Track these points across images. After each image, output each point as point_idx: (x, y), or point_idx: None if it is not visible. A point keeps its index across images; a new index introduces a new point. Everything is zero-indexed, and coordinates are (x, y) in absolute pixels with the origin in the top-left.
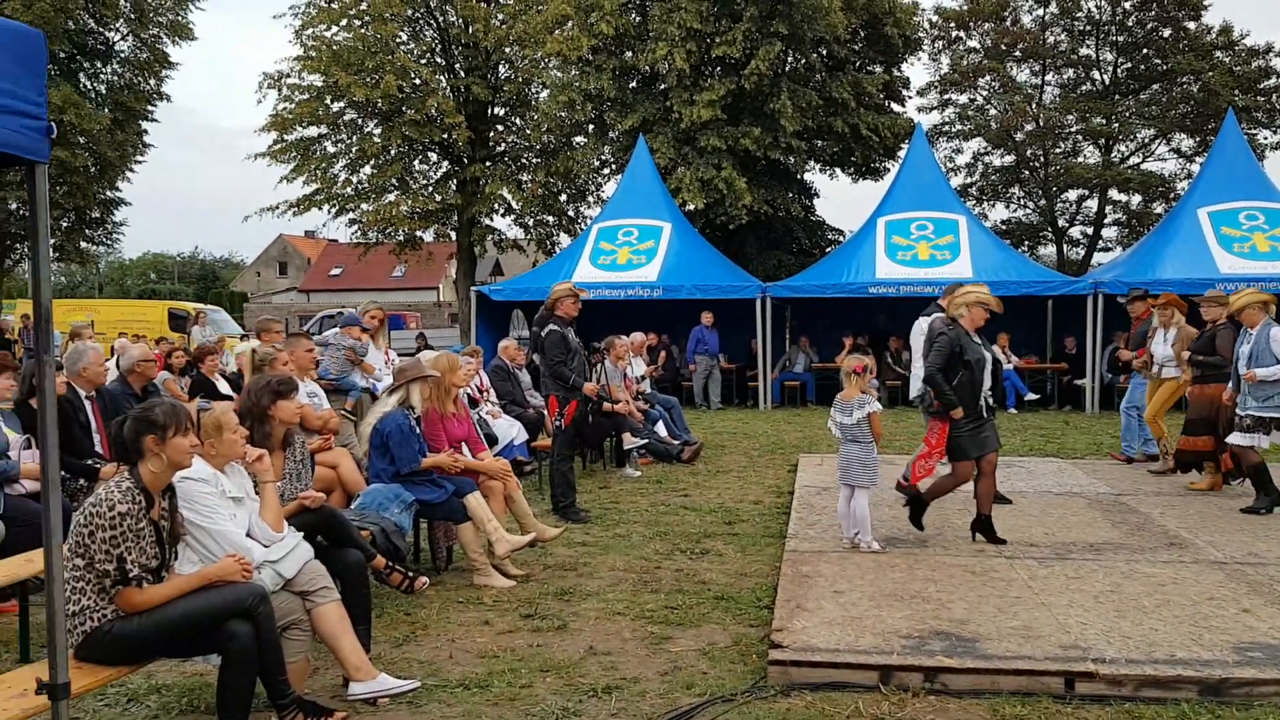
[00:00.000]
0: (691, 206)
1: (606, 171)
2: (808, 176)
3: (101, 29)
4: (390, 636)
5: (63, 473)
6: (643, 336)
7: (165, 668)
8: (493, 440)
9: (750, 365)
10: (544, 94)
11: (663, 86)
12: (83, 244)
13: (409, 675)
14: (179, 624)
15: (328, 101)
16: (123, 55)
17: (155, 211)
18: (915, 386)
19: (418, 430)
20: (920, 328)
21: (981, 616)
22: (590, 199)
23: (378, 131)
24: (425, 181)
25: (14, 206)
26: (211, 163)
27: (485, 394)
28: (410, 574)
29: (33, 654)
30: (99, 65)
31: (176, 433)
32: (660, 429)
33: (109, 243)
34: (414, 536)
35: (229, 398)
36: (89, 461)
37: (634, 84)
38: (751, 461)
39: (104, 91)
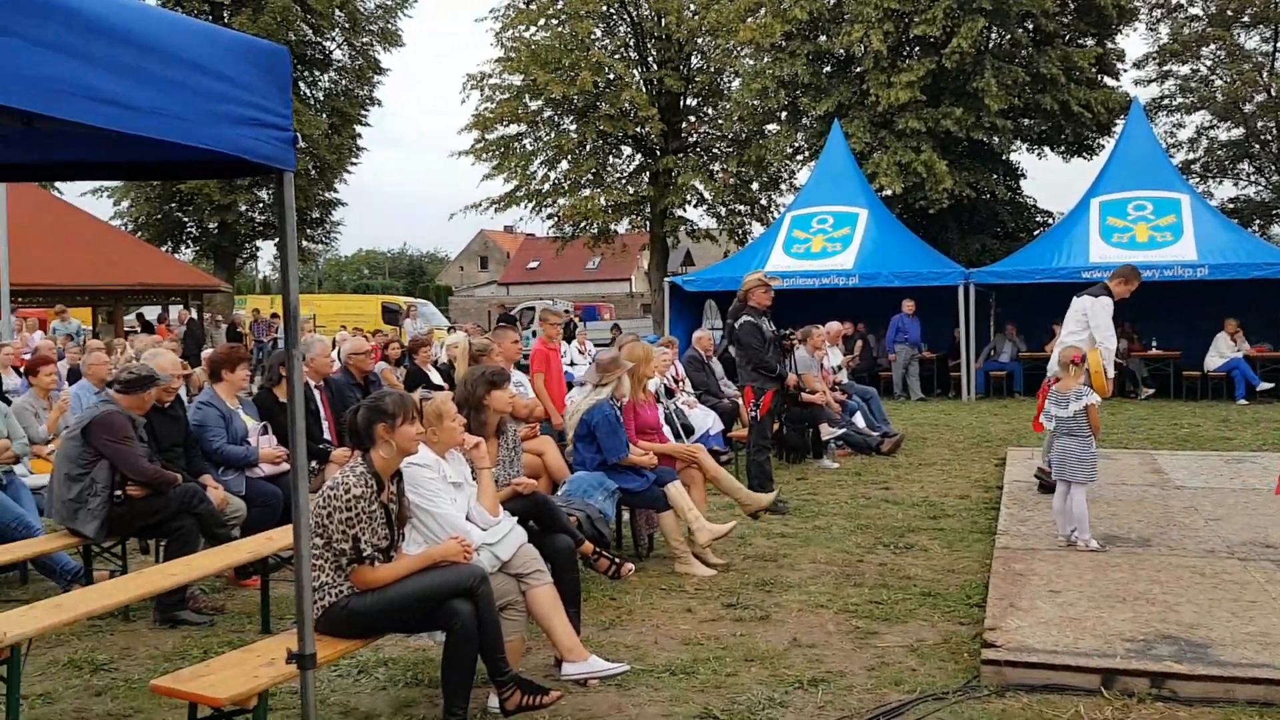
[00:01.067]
0: (889, 191)
1: (800, 159)
2: (1014, 157)
3: (319, 39)
4: (596, 620)
5: None
6: (839, 326)
7: (391, 642)
8: (689, 430)
9: (952, 355)
10: (736, 83)
11: (858, 69)
12: (304, 243)
13: (616, 659)
14: (407, 602)
15: (526, 100)
16: (338, 64)
17: (367, 210)
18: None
19: (620, 421)
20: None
21: (1213, 621)
22: (783, 187)
23: (574, 128)
24: (619, 175)
25: (243, 208)
26: (417, 162)
27: (680, 384)
28: (617, 560)
29: (272, 625)
30: (317, 74)
31: (404, 421)
32: (859, 420)
33: (327, 241)
34: (616, 524)
35: (440, 387)
36: (320, 445)
37: (828, 68)
38: (955, 454)
39: (321, 98)
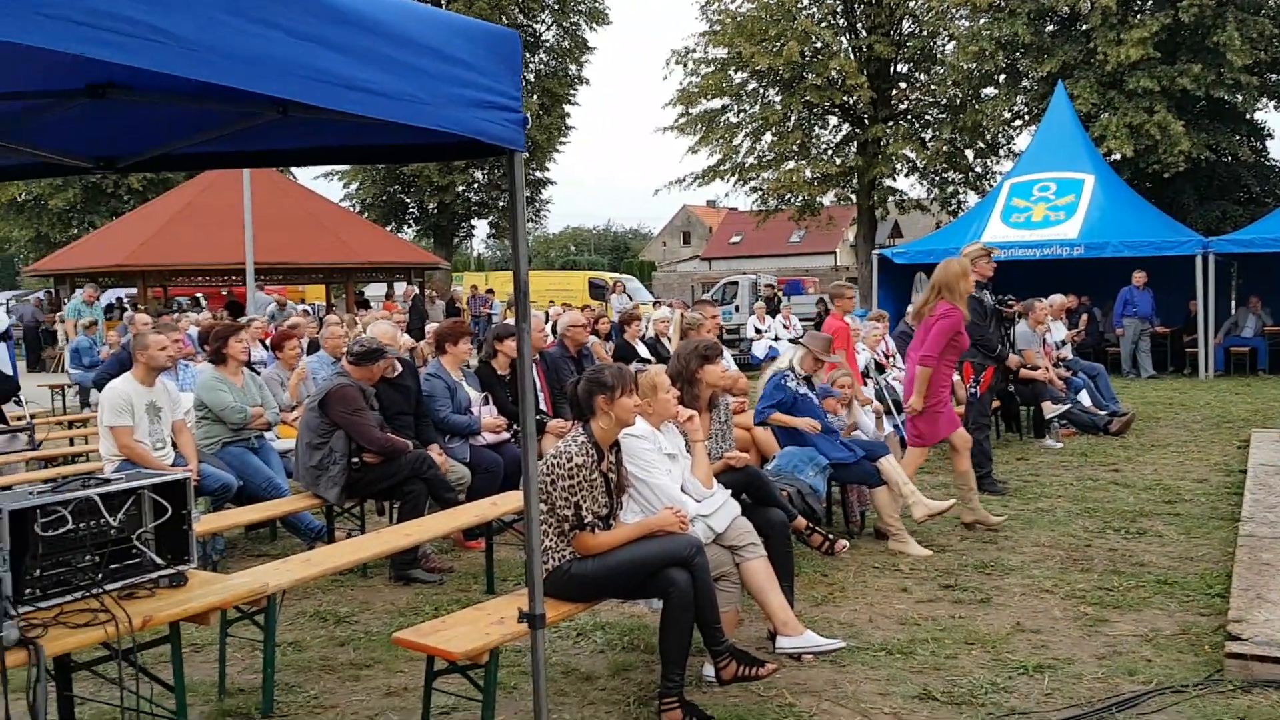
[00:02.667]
0: (1117, 155)
1: (1019, 124)
2: (1259, 116)
3: (530, 22)
4: (808, 596)
5: (515, 426)
6: (1062, 299)
7: (607, 607)
8: (899, 406)
9: (1188, 329)
10: (950, 46)
11: (1085, 27)
12: None
13: (830, 635)
14: (626, 569)
15: (731, 73)
16: (547, 44)
17: (572, 187)
18: None
19: (801, 391)
20: None
21: None
22: (1001, 153)
23: (779, 99)
24: (825, 146)
25: (460, 189)
26: (621, 139)
27: (891, 359)
28: (830, 536)
29: (495, 586)
30: (528, 55)
31: (623, 393)
32: (1084, 398)
33: (536, 219)
34: (826, 499)
35: (648, 362)
36: (535, 417)
37: (1051, 27)
38: (1193, 435)
39: (532, 80)
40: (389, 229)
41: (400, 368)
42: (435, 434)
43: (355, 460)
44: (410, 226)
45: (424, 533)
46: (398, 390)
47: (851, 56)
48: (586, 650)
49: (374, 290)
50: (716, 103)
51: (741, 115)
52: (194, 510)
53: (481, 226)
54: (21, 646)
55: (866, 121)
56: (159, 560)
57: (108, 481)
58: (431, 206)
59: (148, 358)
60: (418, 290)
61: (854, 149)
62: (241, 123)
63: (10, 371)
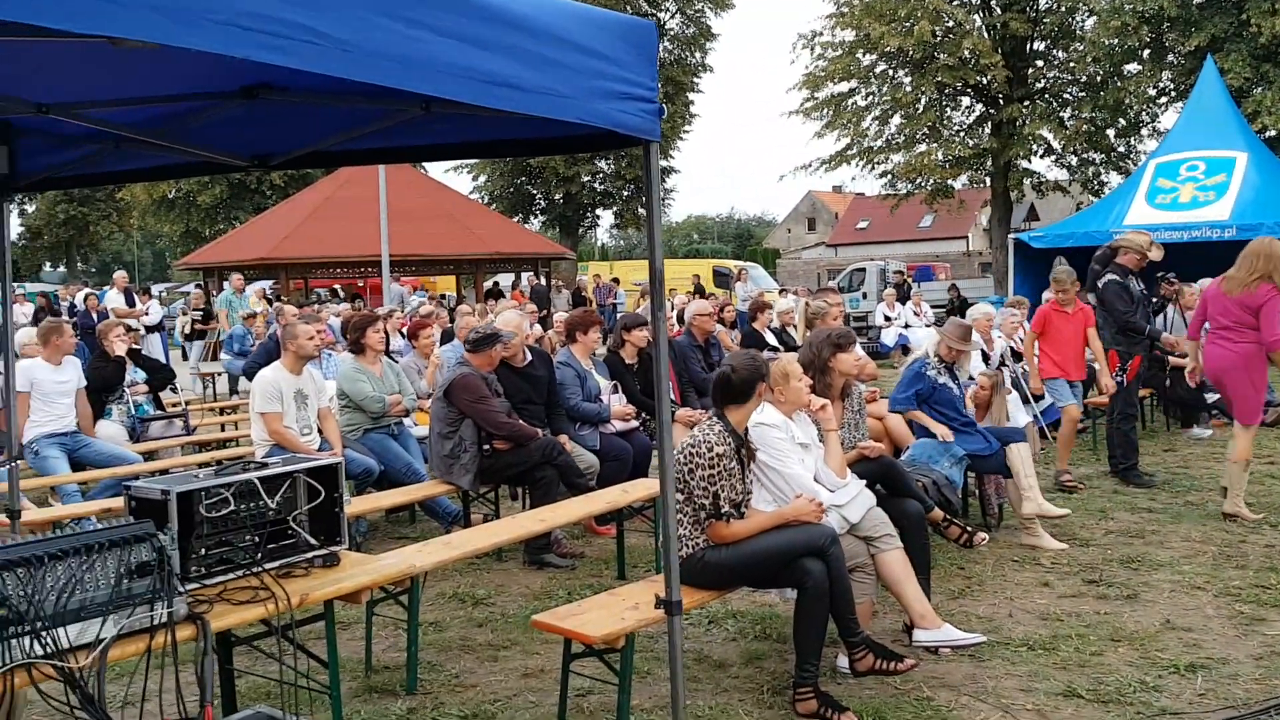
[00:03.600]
0: (1273, 132)
1: (1164, 101)
2: None
3: (654, 11)
4: (945, 589)
5: (643, 414)
6: (1213, 283)
7: (738, 595)
8: (1038, 396)
9: None
10: (1090, 22)
11: None
12: (639, 209)
13: (969, 629)
14: (761, 558)
15: (859, 55)
16: (671, 33)
17: (696, 175)
18: None
19: (944, 381)
20: None
21: None
22: (1144, 132)
23: (909, 80)
24: (958, 127)
25: (585, 179)
26: (744, 125)
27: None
28: (968, 529)
29: (626, 573)
30: None
31: (760, 382)
32: None
33: (662, 208)
34: (962, 491)
35: (777, 350)
36: None
37: None
38: None
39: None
40: (516, 220)
41: (530, 356)
42: (566, 423)
43: (486, 447)
44: (536, 217)
45: (558, 518)
46: (528, 379)
47: (985, 35)
48: (718, 638)
49: (504, 280)
50: (844, 86)
51: (870, 98)
52: (345, 494)
53: (606, 216)
54: (190, 621)
55: (1001, 101)
56: (312, 541)
57: (265, 465)
58: (557, 197)
59: (297, 347)
60: (541, 280)
61: (988, 130)
62: (386, 120)
63: (165, 360)
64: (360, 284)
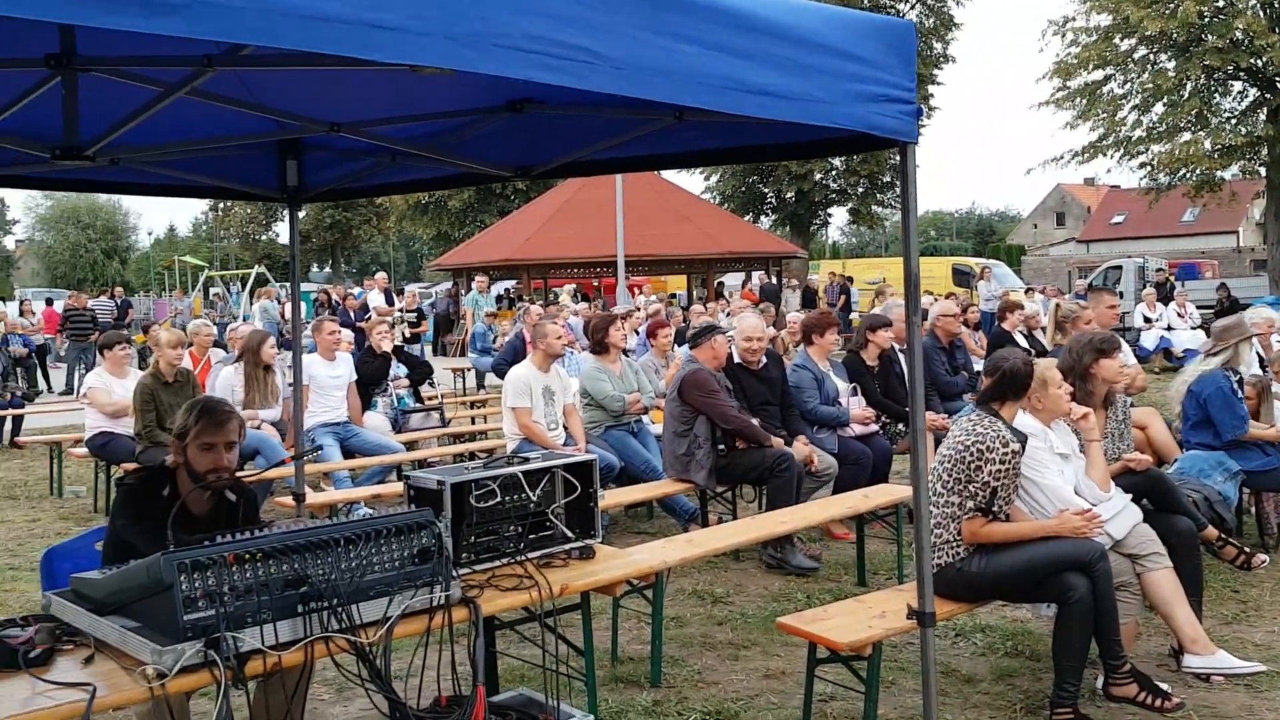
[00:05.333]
0: None
1: None
2: None
3: (893, 4)
4: (1217, 613)
5: (884, 417)
6: None
7: (988, 609)
8: None
9: None
10: None
11: None
12: (874, 207)
13: (1244, 657)
14: (1022, 569)
15: (1115, 40)
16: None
17: (934, 169)
18: None
19: (1240, 394)
20: None
21: None
22: None
23: (1172, 66)
24: (1228, 114)
25: (818, 177)
26: (986, 117)
27: None
28: (1246, 549)
29: (866, 579)
30: None
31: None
32: None
33: (896, 205)
34: (1237, 508)
35: (1028, 352)
36: (906, 409)
37: None
38: None
39: None
40: (746, 219)
41: (765, 359)
42: (802, 424)
43: (721, 447)
44: (767, 216)
45: (798, 521)
46: (762, 380)
47: (1261, 14)
48: (966, 652)
49: (731, 280)
50: (1098, 73)
51: (1128, 85)
52: (599, 490)
53: (839, 214)
54: (463, 604)
55: (1279, 85)
56: (569, 534)
57: (527, 460)
58: (789, 195)
59: (546, 345)
60: (771, 280)
61: (1263, 116)
62: (640, 130)
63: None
64: (595, 284)
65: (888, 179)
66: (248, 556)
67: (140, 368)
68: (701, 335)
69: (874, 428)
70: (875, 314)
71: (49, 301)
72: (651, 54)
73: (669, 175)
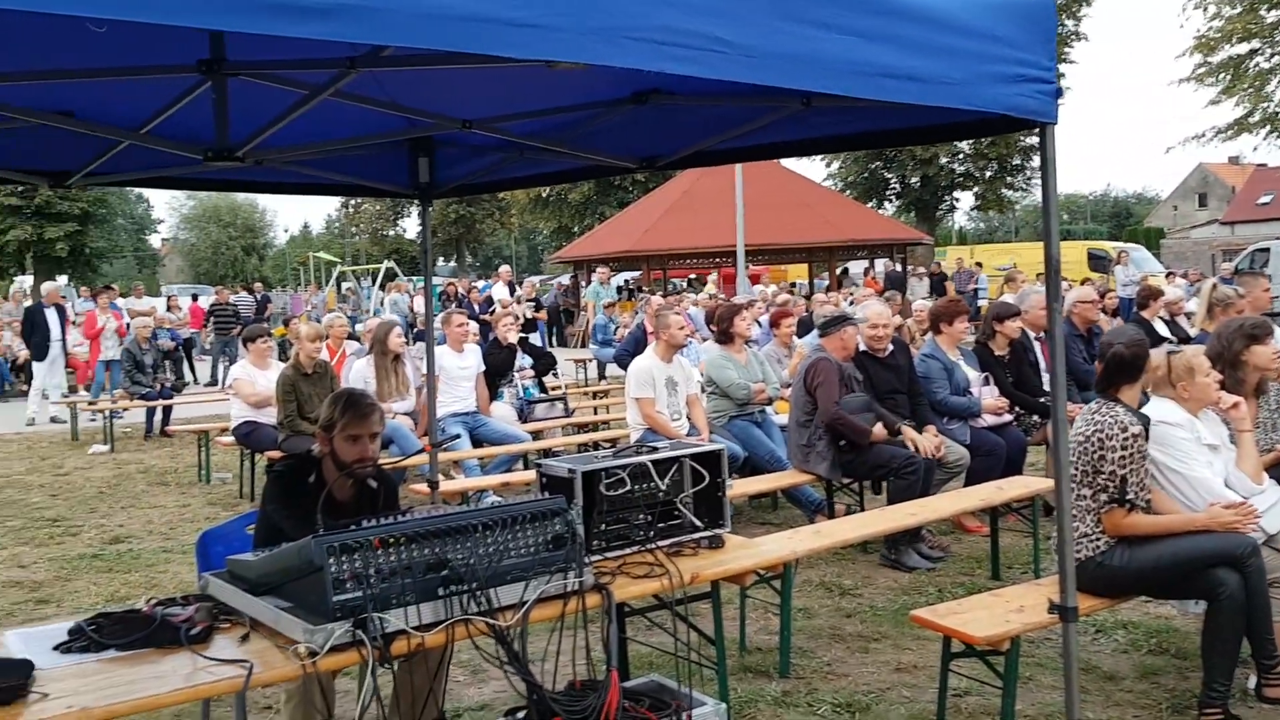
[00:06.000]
0: None
1: None
2: None
3: None
4: None
5: (1016, 407)
6: None
7: (1129, 605)
8: None
9: None
10: None
11: None
12: (1001, 190)
13: None
14: (1168, 564)
15: (1261, 12)
16: None
17: (1067, 151)
18: None
19: None
20: None
21: None
22: None
23: None
24: None
25: (944, 161)
26: (1122, 95)
27: None
28: None
29: (1001, 573)
30: None
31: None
32: None
33: (1025, 187)
34: None
35: (1168, 340)
36: (1040, 400)
37: None
38: None
39: None
40: (869, 205)
41: (891, 346)
42: (931, 414)
43: (842, 441)
44: (891, 202)
45: (928, 513)
46: (889, 369)
47: None
48: (1107, 649)
49: (855, 268)
50: (1243, 47)
51: (1275, 59)
52: (727, 479)
53: (966, 199)
54: (596, 591)
55: None
56: (698, 523)
57: (655, 450)
58: (913, 180)
59: (669, 336)
60: (896, 267)
61: None
62: (767, 118)
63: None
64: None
65: (1017, 161)
66: (392, 540)
67: (280, 360)
68: (832, 325)
69: (1007, 418)
70: (1002, 302)
71: (194, 297)
72: (784, 41)
73: (789, 162)
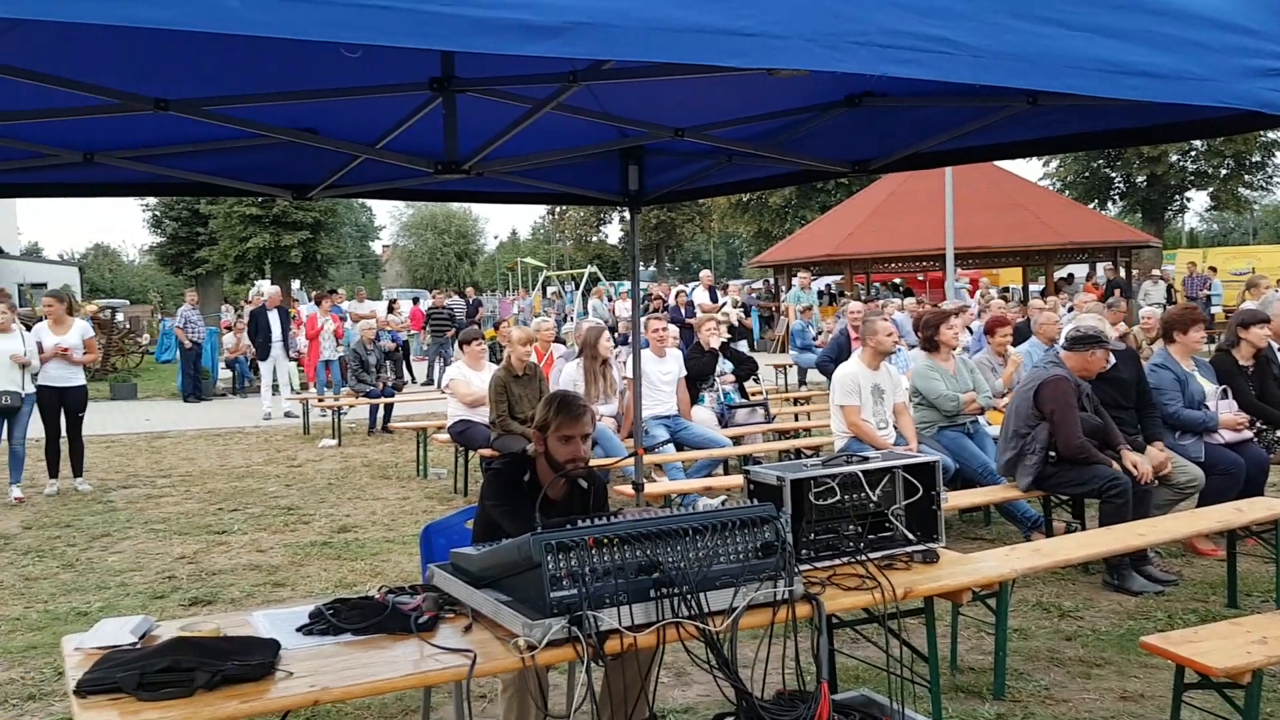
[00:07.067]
0: None
1: None
2: None
3: None
4: None
5: (1259, 423)
6: None
7: None
8: None
9: None
10: None
11: None
12: (1240, 189)
13: None
14: None
15: None
16: None
17: None
18: None
19: None
20: None
21: None
22: None
23: None
24: None
25: (1174, 158)
26: None
27: None
28: None
29: (1238, 600)
30: None
31: None
32: None
33: (1267, 186)
34: None
35: None
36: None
37: None
38: None
39: None
40: (1091, 206)
41: (1114, 360)
42: (1162, 429)
43: (1052, 455)
44: (1114, 203)
45: (1159, 534)
46: (1111, 383)
47: None
48: None
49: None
50: None
51: None
52: (942, 492)
53: (1199, 199)
54: (806, 601)
55: None
56: (910, 536)
57: (866, 460)
58: (1139, 180)
59: (876, 343)
60: (1119, 271)
61: None
62: (988, 118)
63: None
64: (920, 278)
65: (1257, 158)
66: (606, 541)
67: (491, 362)
68: (1082, 343)
69: (1247, 434)
70: (1249, 309)
71: (416, 300)
72: (1013, 39)
73: (1002, 162)
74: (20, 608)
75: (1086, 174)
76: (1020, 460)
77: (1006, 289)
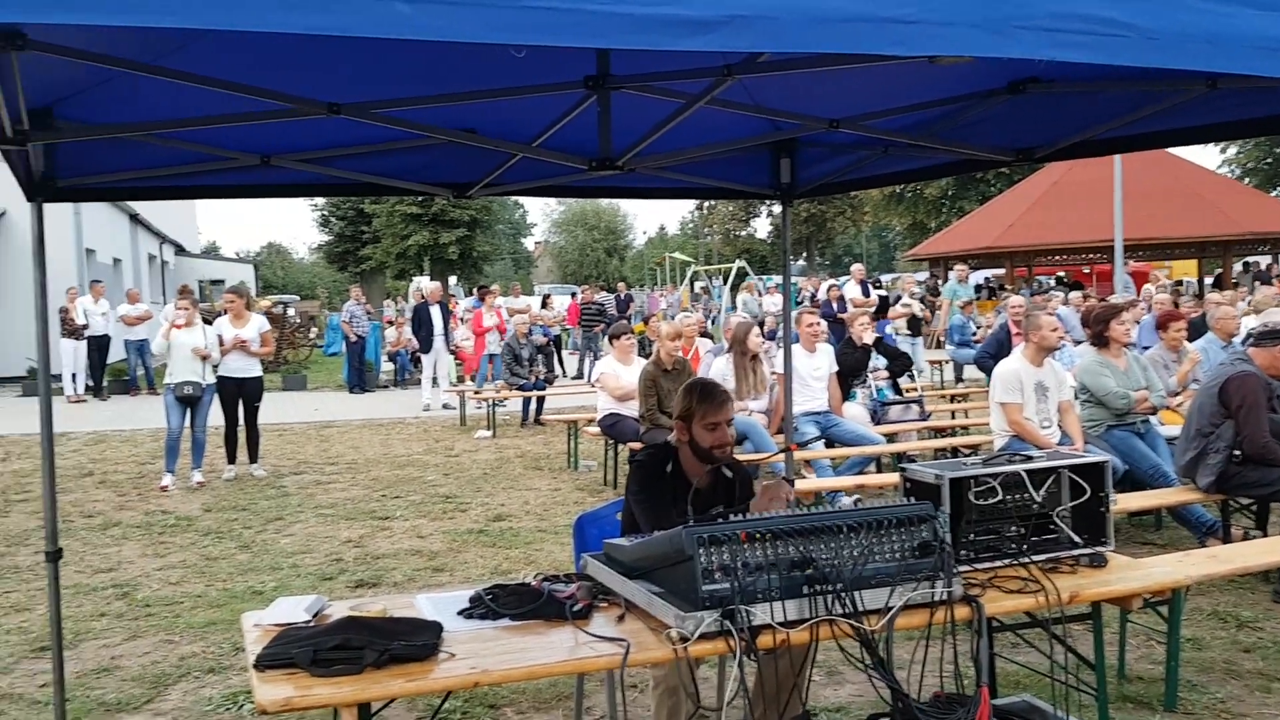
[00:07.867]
0: None
1: None
2: None
3: None
4: None
5: None
6: None
7: None
8: None
9: None
10: None
11: None
12: None
13: None
14: None
15: None
16: None
17: None
18: None
19: None
20: None
21: None
22: None
23: None
24: None
25: None
26: None
27: None
28: None
29: None
30: None
31: None
32: None
33: None
34: None
35: None
36: None
37: None
38: None
39: None
40: (1274, 194)
41: None
42: None
43: (1236, 454)
44: None
45: None
46: None
47: None
48: None
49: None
50: None
51: None
52: (1111, 494)
53: None
54: (965, 603)
55: None
56: (1076, 539)
57: (1030, 459)
58: None
59: (1040, 339)
60: None
61: None
62: (1162, 103)
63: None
64: (1085, 271)
65: None
66: (759, 535)
67: (640, 356)
68: (1271, 338)
69: None
70: None
71: (573, 295)
72: (1193, 19)
73: (1176, 149)
74: (201, 585)
75: (1269, 160)
76: (1202, 460)
77: (1179, 282)
